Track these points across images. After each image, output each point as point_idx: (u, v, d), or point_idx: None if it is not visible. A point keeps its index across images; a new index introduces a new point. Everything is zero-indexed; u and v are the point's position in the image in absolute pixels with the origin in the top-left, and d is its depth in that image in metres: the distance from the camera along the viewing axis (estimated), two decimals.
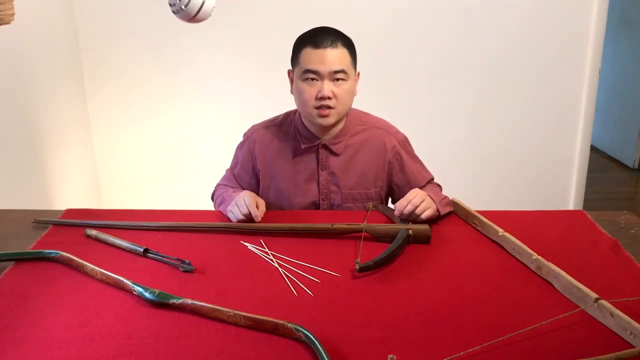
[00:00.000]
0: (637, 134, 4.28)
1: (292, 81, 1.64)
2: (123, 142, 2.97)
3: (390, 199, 1.80)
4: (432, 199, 1.55)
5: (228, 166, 1.82)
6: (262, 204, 1.55)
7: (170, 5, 1.40)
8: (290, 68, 1.64)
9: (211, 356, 1.03)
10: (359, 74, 1.65)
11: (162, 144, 2.98)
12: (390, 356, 0.97)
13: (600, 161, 4.54)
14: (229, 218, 1.58)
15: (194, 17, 1.40)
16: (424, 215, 1.49)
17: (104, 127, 2.94)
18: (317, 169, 1.67)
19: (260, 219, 1.51)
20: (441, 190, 1.75)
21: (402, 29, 2.79)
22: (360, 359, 1.01)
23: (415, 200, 1.49)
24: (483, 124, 2.93)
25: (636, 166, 4.35)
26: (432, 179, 1.77)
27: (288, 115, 1.73)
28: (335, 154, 1.66)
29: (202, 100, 2.90)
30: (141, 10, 2.74)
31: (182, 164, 3.01)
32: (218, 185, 1.80)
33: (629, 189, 4.14)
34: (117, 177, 3.03)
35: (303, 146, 1.66)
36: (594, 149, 4.25)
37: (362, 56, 2.79)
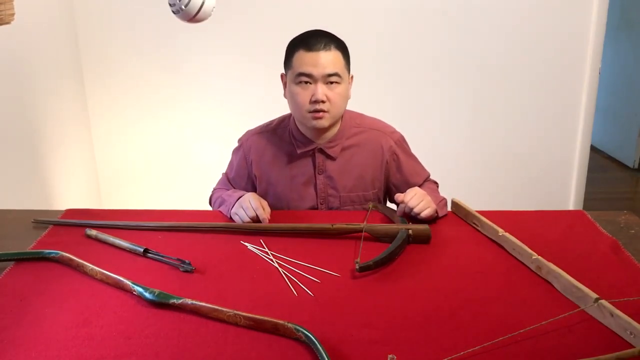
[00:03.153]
0: (637, 134, 4.28)
1: (285, 85, 1.63)
2: (123, 142, 2.97)
3: (387, 199, 1.81)
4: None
5: (224, 169, 1.82)
6: (266, 204, 1.56)
7: (170, 5, 1.40)
8: (284, 72, 1.63)
9: (211, 356, 1.03)
10: (352, 77, 1.63)
11: (162, 143, 2.98)
12: (390, 356, 0.97)
13: (600, 161, 4.54)
14: (231, 219, 1.58)
15: (194, 17, 1.40)
16: (423, 214, 1.50)
17: (104, 127, 2.95)
18: (314, 173, 1.66)
19: (267, 221, 1.52)
20: (438, 187, 1.76)
21: (402, 29, 2.79)
22: (360, 359, 1.01)
23: (414, 200, 1.50)
24: (483, 124, 2.93)
25: (636, 166, 4.35)
26: (429, 176, 1.78)
27: (282, 120, 1.73)
28: (331, 158, 1.66)
29: (202, 100, 2.90)
30: (141, 10, 2.74)
31: (182, 164, 3.01)
32: (215, 189, 1.80)
33: (629, 189, 4.14)
34: (117, 177, 3.03)
35: (299, 151, 1.65)
36: (594, 149, 4.26)
37: (363, 57, 2.80)
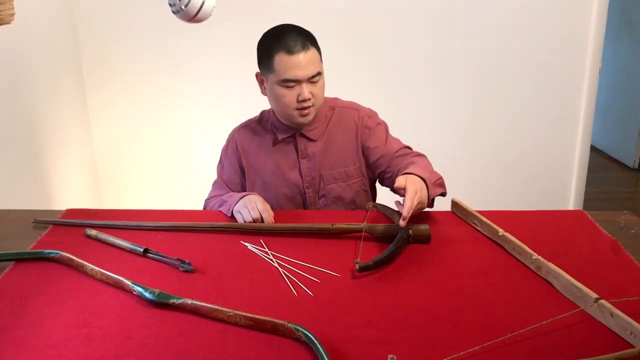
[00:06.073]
0: (637, 134, 4.28)
1: (261, 82, 1.67)
2: (123, 142, 2.97)
3: (377, 177, 1.79)
4: (424, 182, 1.47)
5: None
6: (269, 208, 1.56)
7: (170, 5, 1.40)
8: (259, 71, 1.66)
9: (211, 356, 1.03)
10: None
11: (162, 143, 2.98)
12: (390, 356, 0.97)
13: (600, 161, 4.54)
14: (233, 218, 1.59)
15: (194, 17, 1.40)
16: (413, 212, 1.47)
17: (104, 127, 2.95)
18: (297, 157, 1.71)
19: (271, 223, 1.52)
20: (429, 163, 1.68)
21: (402, 29, 2.79)
22: (360, 359, 1.01)
23: (414, 202, 1.39)
24: (483, 124, 2.93)
25: (636, 166, 4.35)
26: (410, 148, 1.75)
27: (263, 114, 1.79)
28: (312, 140, 1.71)
29: (202, 100, 2.90)
30: (141, 10, 2.74)
31: (182, 164, 3.01)
32: (208, 199, 1.80)
33: (629, 189, 4.14)
34: (117, 177, 3.03)
35: (280, 137, 1.70)
36: (594, 149, 4.26)
37: (363, 56, 2.81)
